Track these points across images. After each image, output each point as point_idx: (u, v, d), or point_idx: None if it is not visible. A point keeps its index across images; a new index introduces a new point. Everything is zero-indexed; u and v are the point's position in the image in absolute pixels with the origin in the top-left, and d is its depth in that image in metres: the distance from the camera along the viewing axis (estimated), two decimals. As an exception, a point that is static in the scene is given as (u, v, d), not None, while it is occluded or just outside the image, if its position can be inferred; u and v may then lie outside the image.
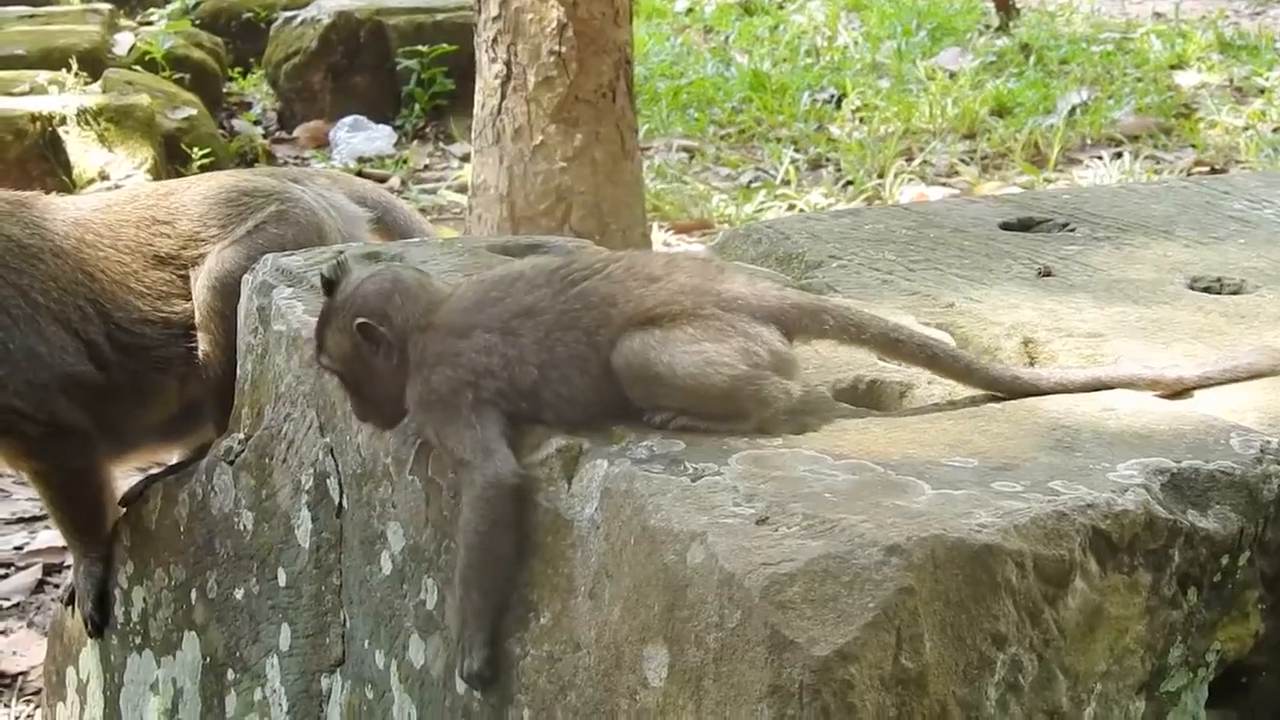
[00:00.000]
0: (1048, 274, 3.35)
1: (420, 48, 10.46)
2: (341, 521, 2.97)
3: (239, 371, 3.29)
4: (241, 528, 3.23)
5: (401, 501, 2.78)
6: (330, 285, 2.80)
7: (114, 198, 3.81)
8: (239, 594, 3.24)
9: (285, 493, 3.11)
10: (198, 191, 3.68)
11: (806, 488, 2.35)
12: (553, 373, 2.62)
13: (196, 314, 3.54)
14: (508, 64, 6.37)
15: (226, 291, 3.45)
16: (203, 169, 8.76)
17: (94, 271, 3.57)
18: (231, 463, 3.25)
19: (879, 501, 2.31)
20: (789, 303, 2.66)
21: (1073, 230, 3.67)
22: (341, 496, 2.96)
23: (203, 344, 3.54)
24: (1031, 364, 2.98)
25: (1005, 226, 3.71)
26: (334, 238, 3.61)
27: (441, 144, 10.36)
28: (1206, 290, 3.32)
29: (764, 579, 2.17)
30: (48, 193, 7.91)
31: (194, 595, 3.38)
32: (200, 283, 3.54)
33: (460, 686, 2.63)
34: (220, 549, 3.30)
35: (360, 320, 2.70)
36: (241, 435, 3.25)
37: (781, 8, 14.18)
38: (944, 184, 9.19)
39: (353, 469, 2.91)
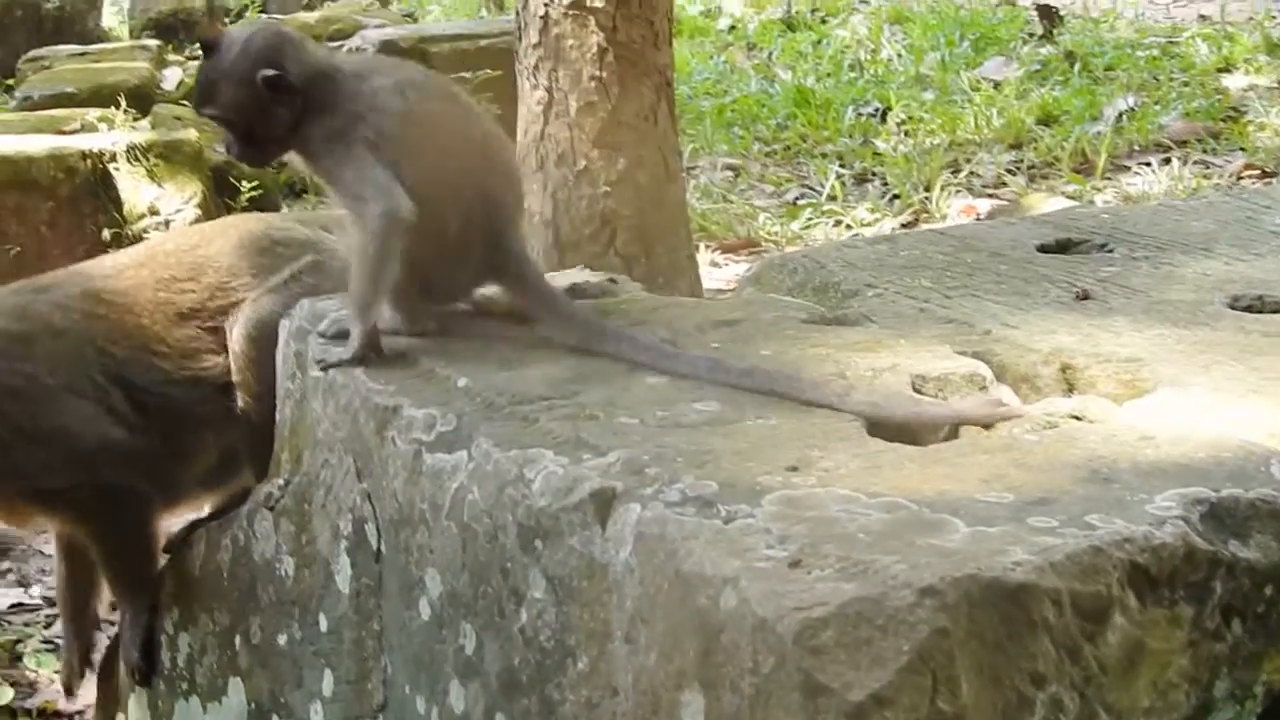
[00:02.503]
0: (1085, 297, 3.33)
1: (464, 74, 10.46)
2: (380, 567, 2.96)
3: (278, 416, 3.29)
4: (283, 573, 3.23)
5: (438, 547, 2.78)
6: (210, 45, 3.17)
7: (129, 260, 3.78)
8: (282, 640, 3.25)
9: (324, 538, 3.11)
10: (227, 243, 3.67)
11: (840, 528, 2.33)
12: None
13: (233, 364, 3.54)
14: (549, 90, 6.35)
15: (264, 340, 3.44)
16: (252, 201, 8.80)
17: (105, 343, 3.56)
18: (272, 509, 3.26)
19: (913, 541, 2.29)
20: None
21: (1111, 251, 3.65)
22: (379, 542, 2.95)
23: (240, 395, 3.53)
24: (1070, 392, 2.96)
25: (1043, 249, 3.68)
26: None
27: (487, 169, 10.37)
28: (1248, 309, 3.29)
29: (797, 623, 2.15)
30: (99, 230, 8.00)
31: (238, 641, 3.38)
32: (236, 332, 3.53)
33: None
34: (262, 595, 3.30)
35: (265, 73, 3.07)
36: (281, 481, 3.25)
37: (824, 22, 14.17)
38: (991, 195, 9.15)
39: (390, 514, 2.91)
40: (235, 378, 3.53)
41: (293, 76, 3.11)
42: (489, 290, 3.23)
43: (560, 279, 3.57)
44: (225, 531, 3.42)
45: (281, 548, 3.23)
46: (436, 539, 2.78)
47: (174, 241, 3.83)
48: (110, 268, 3.75)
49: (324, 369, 3.09)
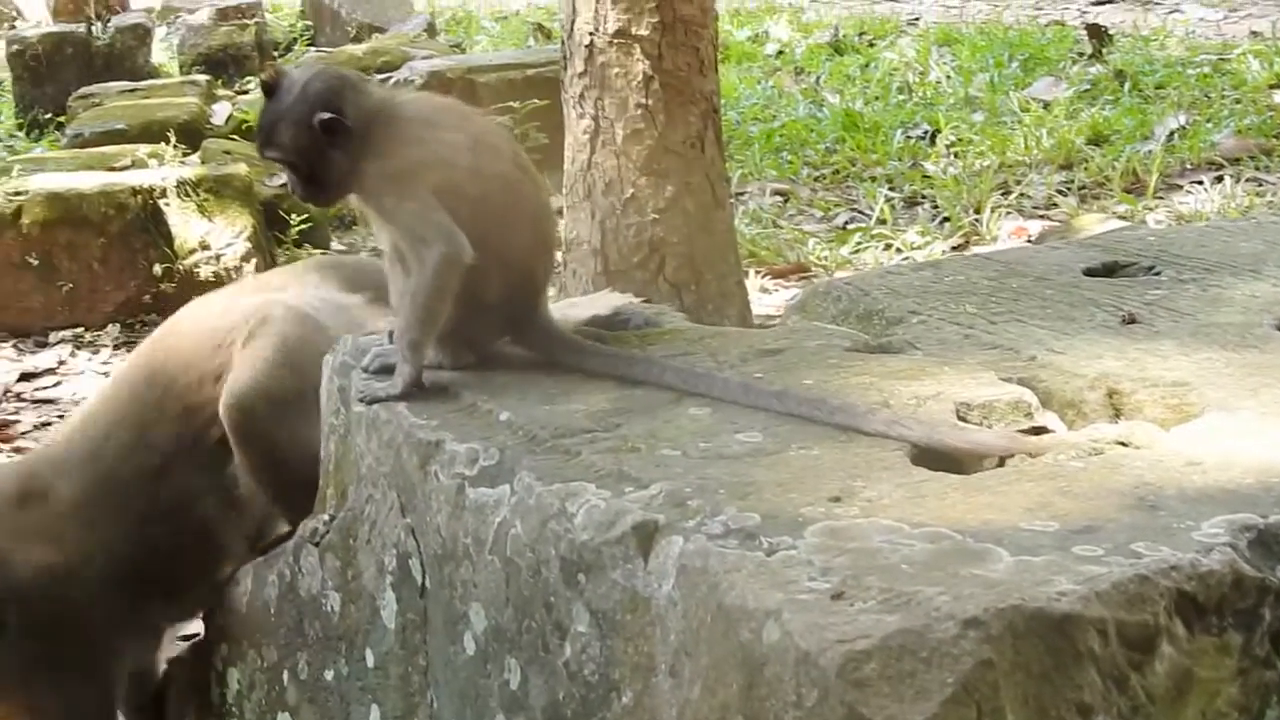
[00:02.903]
0: (1132, 321, 3.30)
1: (512, 103, 10.48)
2: (425, 602, 2.96)
3: (322, 452, 3.29)
4: (329, 609, 3.23)
5: (482, 582, 2.77)
6: (270, 88, 3.18)
7: (107, 394, 3.85)
8: (329, 675, 3.25)
9: (370, 574, 3.11)
10: (179, 334, 3.77)
11: (883, 559, 2.32)
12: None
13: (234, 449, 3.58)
14: (595, 119, 6.35)
15: (247, 409, 3.51)
16: (302, 235, 8.82)
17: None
18: (317, 544, 3.26)
19: (957, 571, 2.27)
20: None
21: (1158, 273, 3.62)
22: (424, 577, 2.95)
23: (242, 473, 3.57)
24: (1117, 417, 2.94)
25: (1089, 273, 3.66)
26: (329, 332, 3.63)
27: (537, 199, 10.37)
28: (1298, 331, 3.26)
29: (840, 656, 2.14)
30: (150, 265, 8.00)
31: (286, 676, 3.38)
32: (222, 415, 3.58)
33: None
34: (309, 630, 3.30)
35: (322, 116, 3.10)
36: (326, 516, 3.25)
37: (872, 46, 14.15)
38: (1042, 216, 9.09)
39: (434, 549, 2.90)
40: (237, 460, 3.56)
41: (350, 120, 3.12)
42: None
43: (603, 303, 3.57)
44: (272, 567, 3.42)
45: (328, 583, 3.23)
46: (480, 574, 2.78)
47: (135, 361, 3.89)
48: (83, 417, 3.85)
49: (366, 403, 3.10)
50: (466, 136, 3.18)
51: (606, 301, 3.60)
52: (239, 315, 3.68)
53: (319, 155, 3.15)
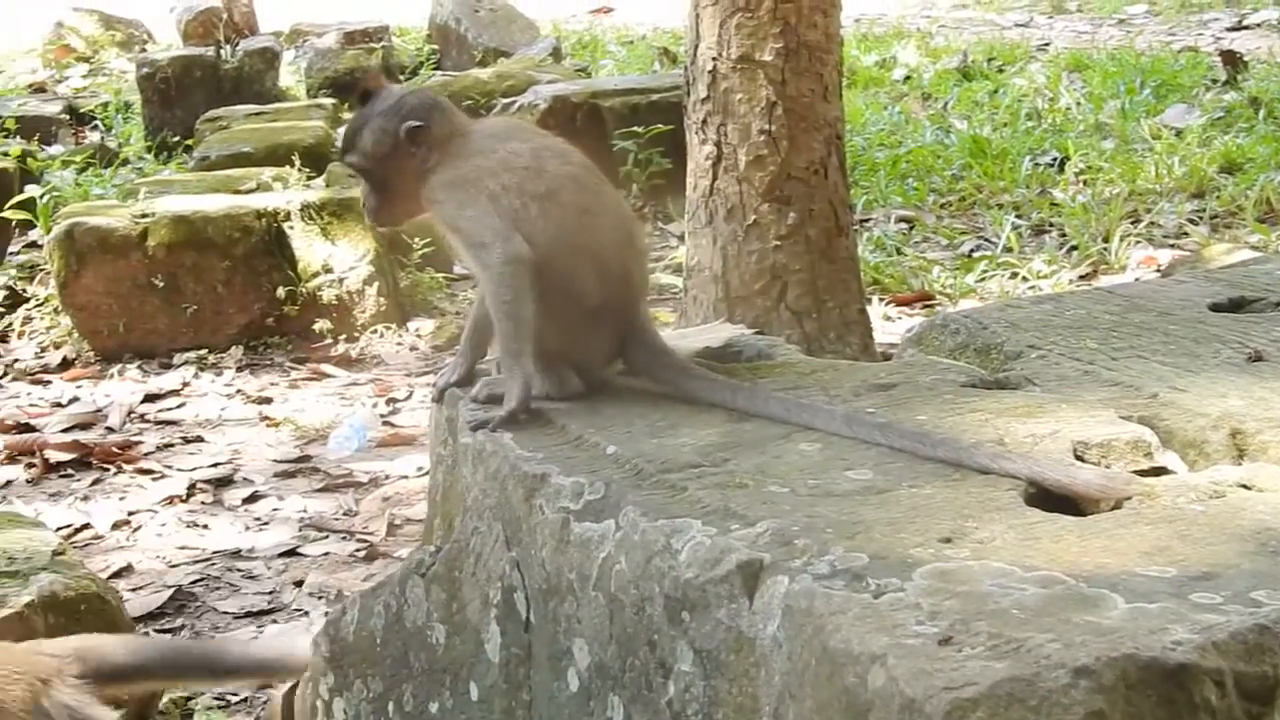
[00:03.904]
0: (1259, 359, 3.22)
1: (636, 128, 10.47)
2: (529, 636, 2.92)
3: (430, 482, 3.27)
4: (434, 641, 3.20)
5: (586, 617, 2.73)
6: (367, 95, 3.30)
7: None
8: (434, 708, 3.21)
9: (474, 606, 3.07)
10: None
11: (993, 603, 2.26)
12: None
13: None
14: (718, 144, 6.32)
15: None
16: (424, 258, 8.84)
17: None
18: (424, 575, 3.23)
19: (1069, 618, 2.20)
20: None
21: (1287, 309, 3.53)
22: (528, 611, 2.92)
23: None
24: (1240, 459, 2.86)
25: (1215, 308, 3.58)
26: None
27: (660, 224, 10.35)
28: None
29: (946, 704, 2.08)
30: (274, 288, 8.05)
31: (391, 708, 3.35)
32: None
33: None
34: (415, 662, 3.27)
35: (410, 124, 3.20)
36: (433, 547, 3.23)
37: (1001, 71, 14.03)
38: (1172, 245, 8.96)
39: (538, 583, 2.87)
40: None
41: (434, 132, 3.21)
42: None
43: (714, 335, 3.53)
44: (378, 597, 3.40)
45: (433, 615, 3.20)
46: (584, 609, 2.74)
47: None
48: None
49: (474, 428, 3.07)
50: (530, 146, 3.24)
51: (718, 333, 3.56)
52: None
53: (396, 165, 3.23)
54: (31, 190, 9.57)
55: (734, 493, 2.68)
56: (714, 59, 6.20)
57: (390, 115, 3.24)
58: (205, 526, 6.20)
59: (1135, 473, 2.74)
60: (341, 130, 3.46)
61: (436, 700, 3.20)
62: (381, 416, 7.31)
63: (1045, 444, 2.82)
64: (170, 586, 5.68)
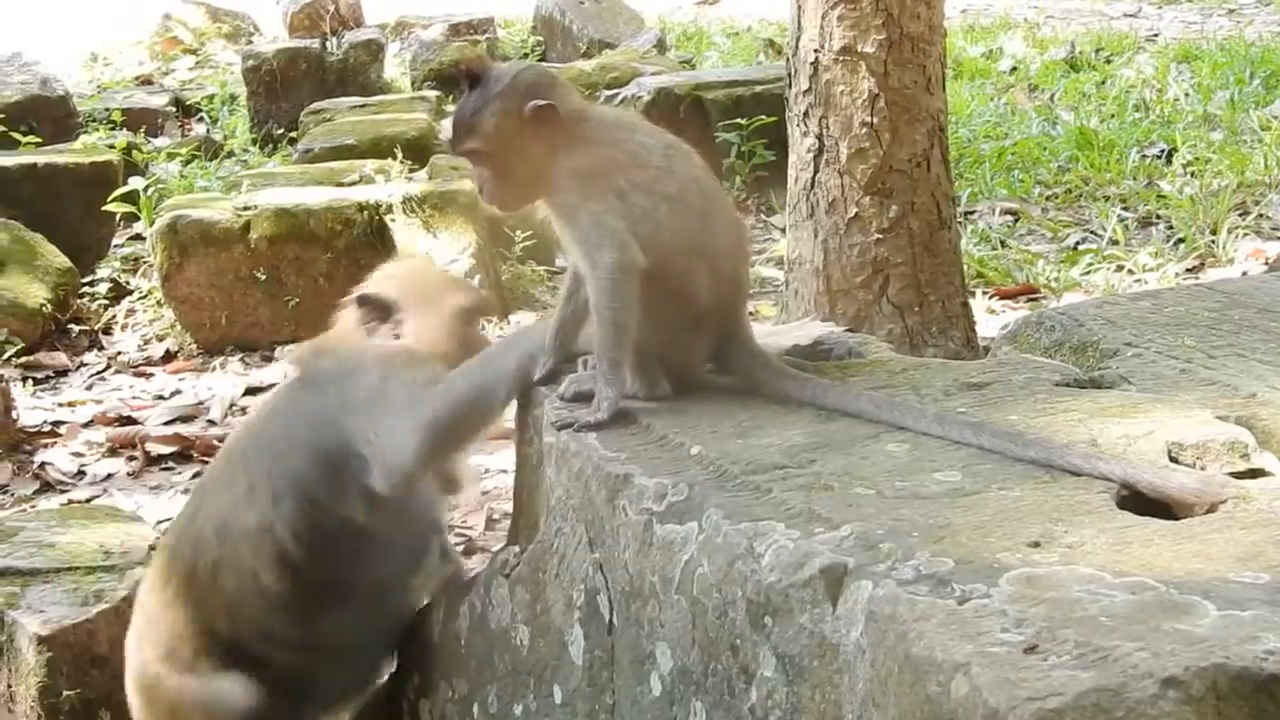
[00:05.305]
0: (1362, 357, 3.15)
1: (739, 120, 10.41)
2: (612, 639, 2.89)
3: (514, 482, 3.25)
4: (518, 642, 3.18)
5: (669, 621, 2.70)
6: (476, 78, 3.13)
7: None
8: (518, 709, 3.19)
9: (558, 608, 3.05)
10: None
11: (1081, 610, 2.21)
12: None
13: None
14: (819, 137, 6.27)
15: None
16: (526, 251, 8.83)
17: None
18: (508, 576, 3.21)
19: (1158, 626, 2.15)
20: None
21: (1393, 306, 3.45)
22: (612, 614, 2.89)
23: None
24: (1339, 463, 2.79)
25: (1319, 304, 3.50)
26: None
27: (763, 215, 10.29)
28: None
29: (1030, 714, 2.03)
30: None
31: (475, 709, 3.33)
32: None
33: None
34: (499, 663, 3.25)
35: (536, 103, 3.07)
36: (517, 549, 3.20)
37: (1108, 62, 13.85)
38: (1281, 238, 8.83)
39: (622, 586, 2.84)
40: None
41: (559, 111, 3.10)
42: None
43: (804, 332, 3.49)
44: (463, 598, 3.38)
45: (517, 616, 3.18)
46: (667, 612, 2.71)
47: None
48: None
49: (560, 428, 3.04)
50: (659, 142, 3.15)
51: (808, 331, 3.52)
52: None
53: (521, 147, 3.10)
54: (136, 183, 9.62)
55: (819, 495, 2.64)
56: (816, 51, 6.14)
57: (511, 95, 3.11)
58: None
59: (1231, 475, 2.68)
60: (449, 121, 3.35)
61: (521, 703, 3.18)
62: (480, 410, 7.28)
63: (1139, 445, 2.76)
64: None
